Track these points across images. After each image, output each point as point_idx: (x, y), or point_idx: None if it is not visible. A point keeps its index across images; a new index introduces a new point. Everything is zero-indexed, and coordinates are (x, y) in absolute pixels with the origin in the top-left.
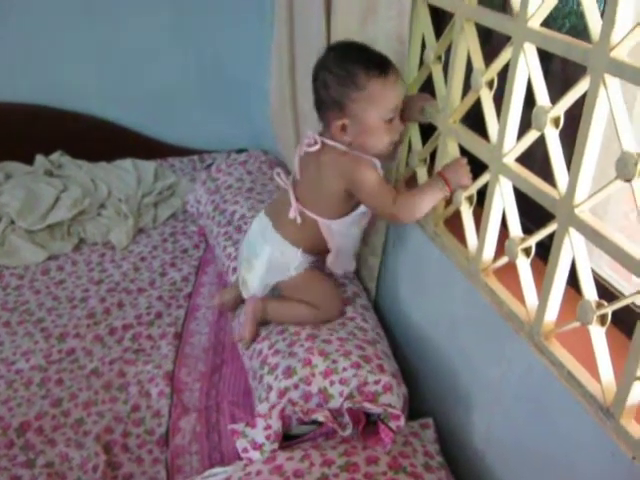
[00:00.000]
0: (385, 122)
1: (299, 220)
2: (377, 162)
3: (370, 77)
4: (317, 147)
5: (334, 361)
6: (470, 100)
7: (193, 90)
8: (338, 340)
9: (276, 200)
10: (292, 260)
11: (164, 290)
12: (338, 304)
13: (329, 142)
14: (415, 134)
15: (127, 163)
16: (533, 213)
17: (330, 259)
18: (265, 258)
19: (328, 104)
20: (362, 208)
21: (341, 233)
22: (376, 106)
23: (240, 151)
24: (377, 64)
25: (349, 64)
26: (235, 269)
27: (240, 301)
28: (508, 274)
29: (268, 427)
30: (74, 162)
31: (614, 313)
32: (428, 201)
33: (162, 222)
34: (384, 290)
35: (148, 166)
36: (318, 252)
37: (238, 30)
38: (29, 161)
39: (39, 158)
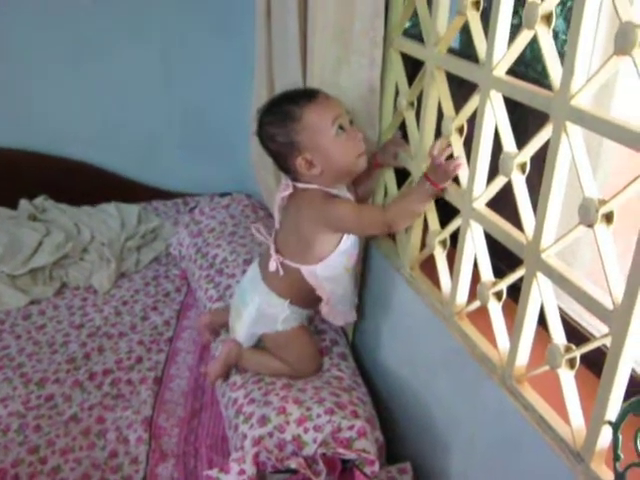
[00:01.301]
0: (338, 135)
1: (281, 272)
2: (348, 195)
3: (301, 106)
4: (289, 191)
5: (308, 408)
6: None
7: (177, 134)
8: (313, 389)
9: (264, 251)
10: (279, 312)
11: (145, 334)
12: (315, 368)
13: (300, 185)
14: (390, 179)
15: (111, 207)
16: (506, 254)
17: (324, 309)
18: (254, 308)
19: (282, 151)
20: (342, 246)
21: (328, 278)
22: (319, 127)
23: (224, 195)
24: (302, 95)
25: (279, 107)
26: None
27: (220, 329)
28: (482, 316)
29: (242, 472)
30: (58, 206)
31: (587, 355)
32: (417, 203)
33: (145, 266)
34: (363, 334)
35: (132, 210)
36: (308, 304)
37: (221, 78)
38: (13, 205)
39: (23, 202)
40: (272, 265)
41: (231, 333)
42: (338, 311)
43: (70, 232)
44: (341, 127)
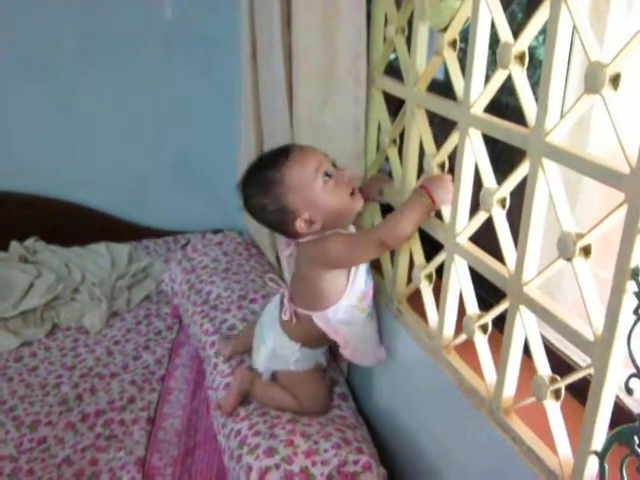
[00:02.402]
0: (326, 184)
1: (294, 320)
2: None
3: (279, 169)
4: (290, 249)
5: (315, 442)
6: None
7: (167, 173)
8: (318, 424)
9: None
10: (290, 354)
11: (137, 374)
12: (323, 409)
13: (302, 240)
14: (377, 213)
15: (101, 247)
16: (492, 286)
17: (346, 353)
18: (270, 346)
19: (277, 219)
20: (352, 288)
21: (343, 322)
22: (304, 183)
23: (216, 232)
24: (275, 156)
25: (259, 177)
26: (213, 343)
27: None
28: (470, 348)
29: None
30: (48, 248)
31: (573, 384)
32: (410, 217)
33: (136, 304)
34: (356, 369)
35: (122, 249)
36: (321, 345)
37: (210, 118)
38: (4, 247)
39: (13, 244)
40: (286, 315)
41: (253, 361)
42: (363, 352)
43: (61, 273)
44: (327, 174)
